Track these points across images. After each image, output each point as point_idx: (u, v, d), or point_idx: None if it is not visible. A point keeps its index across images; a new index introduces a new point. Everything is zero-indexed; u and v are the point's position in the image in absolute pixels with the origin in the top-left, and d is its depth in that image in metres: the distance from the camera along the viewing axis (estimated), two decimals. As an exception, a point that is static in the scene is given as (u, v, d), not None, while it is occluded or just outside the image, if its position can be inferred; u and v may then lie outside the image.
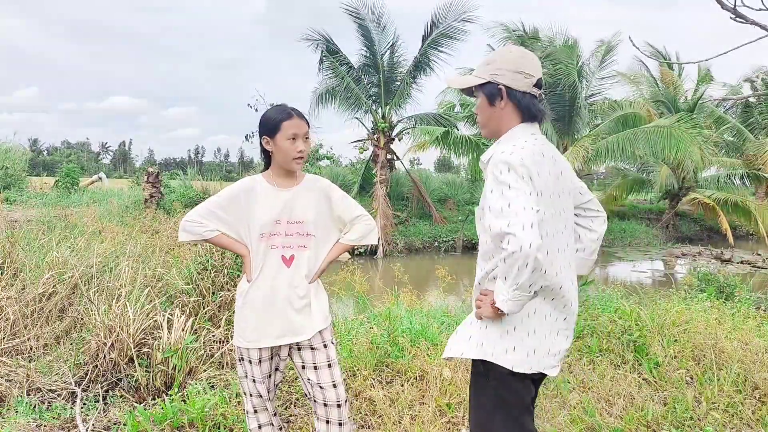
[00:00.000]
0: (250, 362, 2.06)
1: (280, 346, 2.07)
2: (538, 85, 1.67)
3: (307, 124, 2.04)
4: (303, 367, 2.08)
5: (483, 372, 1.66)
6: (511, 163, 1.54)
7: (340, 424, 2.06)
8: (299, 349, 2.07)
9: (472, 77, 1.71)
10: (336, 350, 2.11)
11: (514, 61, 1.64)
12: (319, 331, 2.05)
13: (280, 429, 2.22)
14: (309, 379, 2.06)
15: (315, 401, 2.08)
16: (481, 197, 1.69)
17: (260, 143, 2.06)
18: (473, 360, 1.68)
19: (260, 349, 2.04)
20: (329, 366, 2.05)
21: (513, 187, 1.52)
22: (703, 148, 13.97)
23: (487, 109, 1.69)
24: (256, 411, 2.15)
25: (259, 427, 2.16)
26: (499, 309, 1.55)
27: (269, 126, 1.99)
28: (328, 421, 2.06)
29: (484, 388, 1.67)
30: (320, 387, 2.04)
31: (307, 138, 2.03)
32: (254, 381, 2.08)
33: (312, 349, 2.05)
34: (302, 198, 2.07)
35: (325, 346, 2.06)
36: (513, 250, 1.44)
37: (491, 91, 1.66)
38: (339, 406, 2.05)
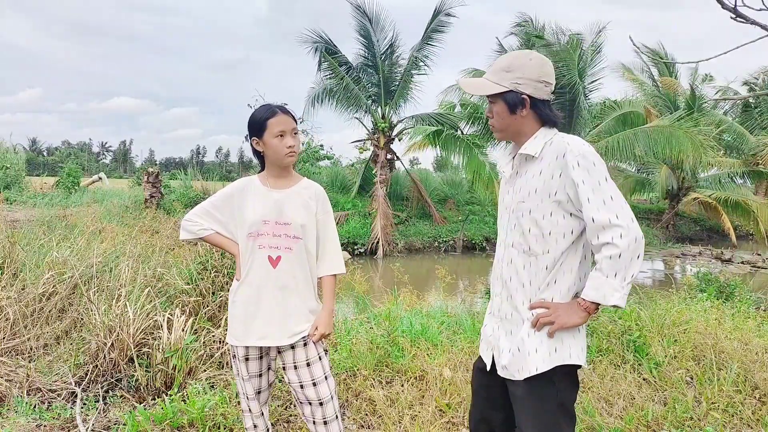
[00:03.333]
0: (239, 360, 2.07)
1: (269, 346, 2.07)
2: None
3: (294, 119, 2.03)
4: (284, 369, 2.08)
5: (549, 378, 1.61)
6: (597, 155, 1.55)
7: (325, 423, 2.06)
8: (280, 351, 2.08)
9: (489, 84, 1.66)
10: (317, 350, 2.07)
11: (537, 70, 1.62)
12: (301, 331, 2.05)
13: (267, 430, 2.21)
14: (290, 381, 2.07)
15: (300, 402, 2.09)
16: (533, 189, 1.63)
17: (251, 146, 2.06)
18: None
19: (247, 347, 2.05)
20: (308, 365, 2.04)
21: (608, 179, 1.53)
22: (703, 147, 13.96)
23: (506, 117, 1.66)
24: (250, 410, 2.15)
25: (255, 426, 2.17)
26: (591, 312, 1.56)
27: (256, 127, 1.99)
28: (314, 422, 2.07)
29: (547, 395, 1.62)
30: (301, 386, 2.05)
31: (295, 133, 2.03)
32: (243, 379, 2.10)
33: (292, 348, 2.04)
34: (293, 200, 2.06)
35: (305, 344, 2.04)
36: (628, 243, 1.46)
37: (513, 100, 1.63)
38: (321, 404, 2.04)
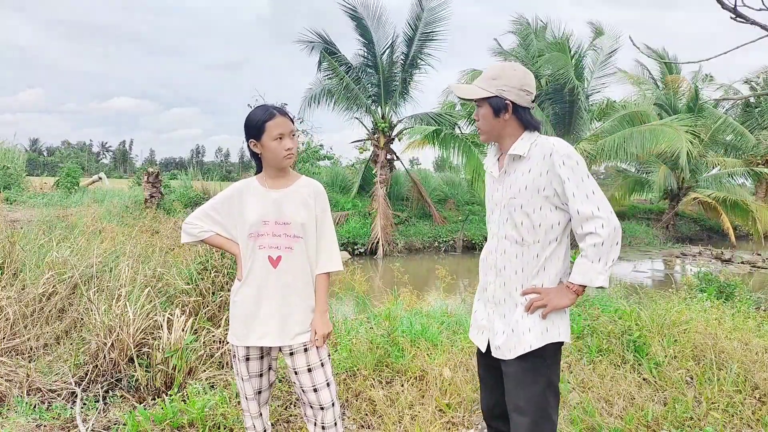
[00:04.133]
0: (239, 359, 2.08)
1: (270, 346, 2.08)
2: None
3: (292, 120, 2.03)
4: (288, 368, 2.10)
5: (540, 355, 1.80)
6: (579, 155, 1.76)
7: (323, 428, 2.07)
8: (280, 350, 2.09)
9: (478, 89, 1.85)
10: (318, 354, 2.07)
11: (519, 80, 1.82)
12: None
13: (265, 431, 2.22)
14: (294, 382, 2.10)
15: (303, 402, 2.11)
16: (524, 185, 1.80)
17: (248, 147, 2.05)
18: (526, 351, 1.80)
19: (247, 347, 2.06)
20: (309, 370, 2.05)
21: (589, 176, 1.75)
22: (693, 143, 14.03)
23: (491, 120, 1.86)
24: (249, 410, 2.16)
25: (254, 426, 2.18)
26: (580, 294, 1.78)
27: (254, 129, 1.98)
28: (315, 423, 2.09)
29: (539, 371, 1.81)
30: (302, 390, 2.07)
31: (293, 135, 2.02)
32: (242, 379, 2.10)
33: (291, 354, 2.05)
34: (292, 199, 2.06)
35: (305, 350, 2.05)
36: (608, 232, 1.68)
37: (498, 105, 1.83)
38: (322, 408, 2.06)
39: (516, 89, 1.81)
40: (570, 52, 15.31)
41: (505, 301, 1.87)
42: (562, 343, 1.86)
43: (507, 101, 1.82)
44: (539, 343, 1.78)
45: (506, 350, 1.83)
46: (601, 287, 1.73)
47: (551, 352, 1.82)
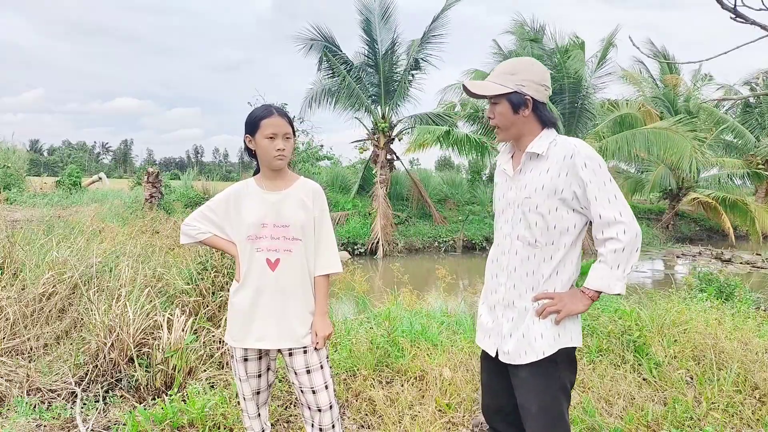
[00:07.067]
0: (237, 360, 2.08)
1: (267, 348, 2.08)
2: None
3: (290, 123, 2.01)
4: (287, 369, 2.10)
5: (553, 360, 1.74)
6: (601, 158, 1.71)
7: (320, 430, 2.07)
8: (279, 351, 2.09)
9: (495, 85, 1.77)
10: (318, 356, 2.06)
11: (538, 75, 1.77)
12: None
13: (263, 431, 2.22)
14: (293, 382, 2.09)
15: (301, 404, 2.11)
16: (540, 185, 1.73)
17: (244, 143, 2.06)
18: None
19: (245, 348, 2.06)
20: (308, 372, 2.04)
21: (611, 179, 1.69)
22: (698, 150, 14.02)
23: (510, 116, 1.78)
24: (247, 410, 2.17)
25: (253, 426, 2.18)
26: (595, 299, 1.72)
27: (250, 124, 1.99)
28: (312, 425, 2.09)
29: (551, 376, 1.75)
30: (301, 391, 2.07)
31: (288, 137, 2.00)
32: (240, 380, 2.10)
33: (291, 355, 2.05)
34: (290, 201, 2.05)
35: (305, 352, 2.04)
36: (630, 238, 1.64)
37: (518, 100, 1.75)
38: (320, 410, 2.05)
39: (536, 84, 1.75)
40: (577, 53, 15.31)
41: (514, 304, 1.79)
42: (575, 348, 1.80)
43: (527, 97, 1.74)
44: (552, 350, 1.72)
45: (516, 356, 1.76)
46: (618, 294, 1.67)
47: (564, 357, 1.76)
